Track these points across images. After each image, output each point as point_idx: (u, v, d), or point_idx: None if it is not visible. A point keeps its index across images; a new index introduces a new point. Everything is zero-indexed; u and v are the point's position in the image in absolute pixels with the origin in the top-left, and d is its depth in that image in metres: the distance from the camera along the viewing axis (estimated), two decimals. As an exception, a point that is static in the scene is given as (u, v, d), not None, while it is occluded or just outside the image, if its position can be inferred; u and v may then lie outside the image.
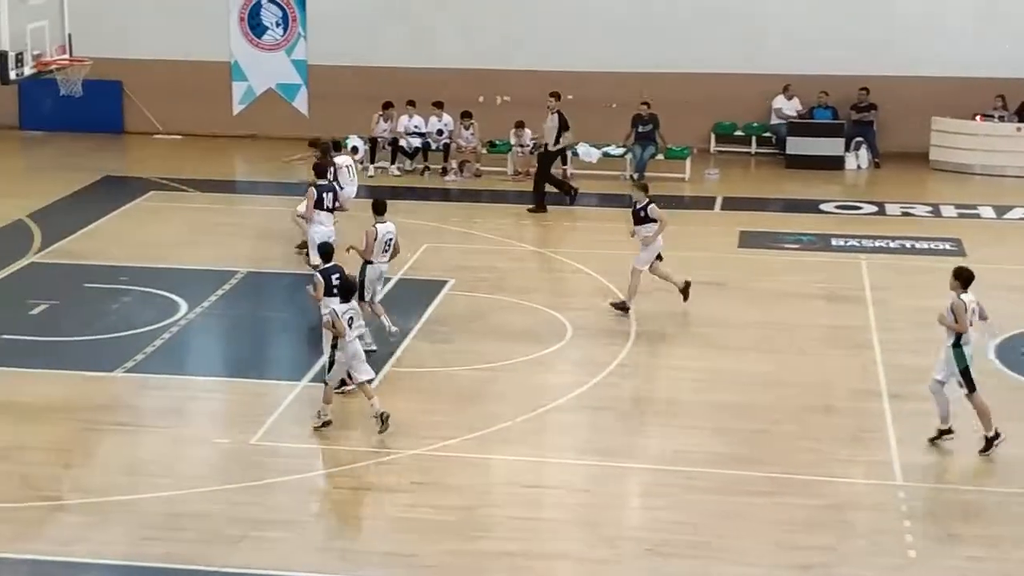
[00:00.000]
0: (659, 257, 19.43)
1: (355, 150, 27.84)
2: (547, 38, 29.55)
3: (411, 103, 28.03)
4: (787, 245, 22.86)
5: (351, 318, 15.38)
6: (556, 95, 25.59)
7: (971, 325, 14.68)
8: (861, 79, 28.70)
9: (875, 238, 23.28)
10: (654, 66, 29.07)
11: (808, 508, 13.73)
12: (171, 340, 18.17)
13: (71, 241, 22.70)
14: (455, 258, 21.93)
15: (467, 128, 27.73)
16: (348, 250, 17.27)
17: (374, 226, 17.62)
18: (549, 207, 24.97)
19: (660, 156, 27.44)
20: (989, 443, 14.80)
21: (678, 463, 14.74)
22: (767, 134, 29.50)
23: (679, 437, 15.53)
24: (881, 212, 25.28)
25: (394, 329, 17.75)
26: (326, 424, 15.45)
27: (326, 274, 16.25)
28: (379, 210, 17.81)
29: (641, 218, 19.21)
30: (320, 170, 19.88)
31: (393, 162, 27.89)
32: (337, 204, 19.82)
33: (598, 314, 19.35)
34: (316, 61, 30.48)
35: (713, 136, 29.76)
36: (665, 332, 18.77)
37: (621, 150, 27.74)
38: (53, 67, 19.19)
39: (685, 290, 19.42)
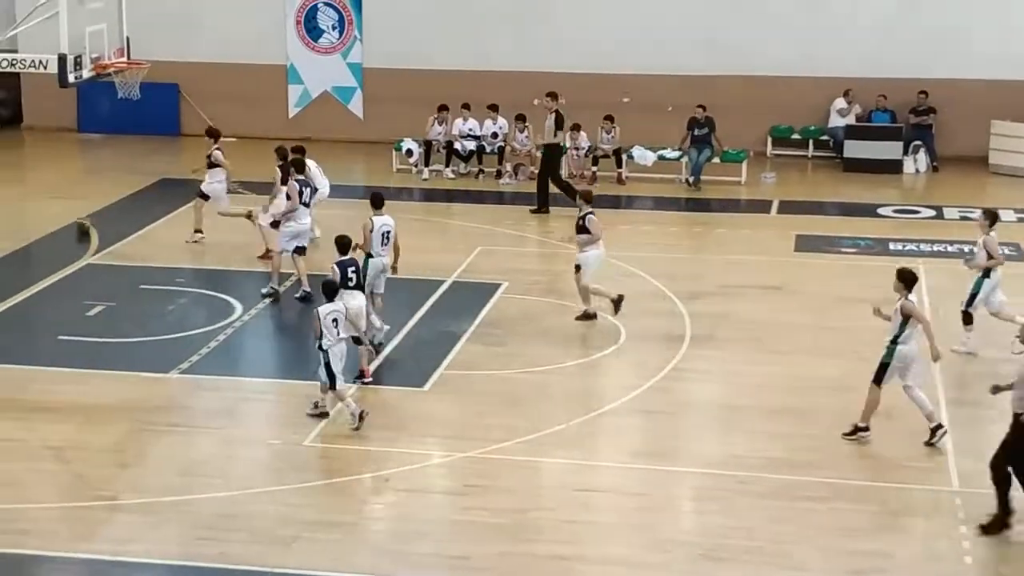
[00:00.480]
0: (577, 268, 18.87)
1: (409, 153, 27.92)
2: (603, 41, 29.47)
3: (466, 106, 28.04)
4: (844, 249, 22.67)
5: (335, 319, 15.46)
6: (553, 95, 25.40)
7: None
8: (919, 82, 28.44)
9: (933, 242, 23.04)
10: (711, 69, 28.95)
11: (864, 514, 13.58)
12: (225, 342, 18.25)
13: (127, 243, 22.87)
14: (509, 261, 21.90)
15: (521, 131, 27.70)
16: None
17: (371, 219, 17.83)
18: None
19: (716, 159, 27.30)
20: (854, 432, 15.14)
21: (732, 467, 14.63)
22: (824, 137, 29.28)
23: (733, 441, 15.41)
24: (939, 216, 25.03)
25: (385, 327, 17.92)
26: (323, 415, 15.63)
27: (342, 266, 16.48)
28: (376, 204, 18.08)
29: (580, 227, 18.92)
30: (300, 166, 20.50)
31: (447, 165, 27.91)
32: (314, 200, 20.49)
33: (652, 317, 19.25)
34: (371, 64, 30.57)
35: (770, 139, 29.58)
36: (720, 336, 18.64)
37: (677, 153, 27.62)
38: (111, 70, 19.35)
39: (617, 303, 18.89)
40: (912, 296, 15.15)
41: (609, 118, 27.49)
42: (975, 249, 18.12)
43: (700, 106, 27.20)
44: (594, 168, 27.42)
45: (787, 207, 25.64)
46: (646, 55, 29.30)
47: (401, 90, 29.80)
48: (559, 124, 25.12)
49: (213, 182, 22.51)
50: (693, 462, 14.95)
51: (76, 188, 26.58)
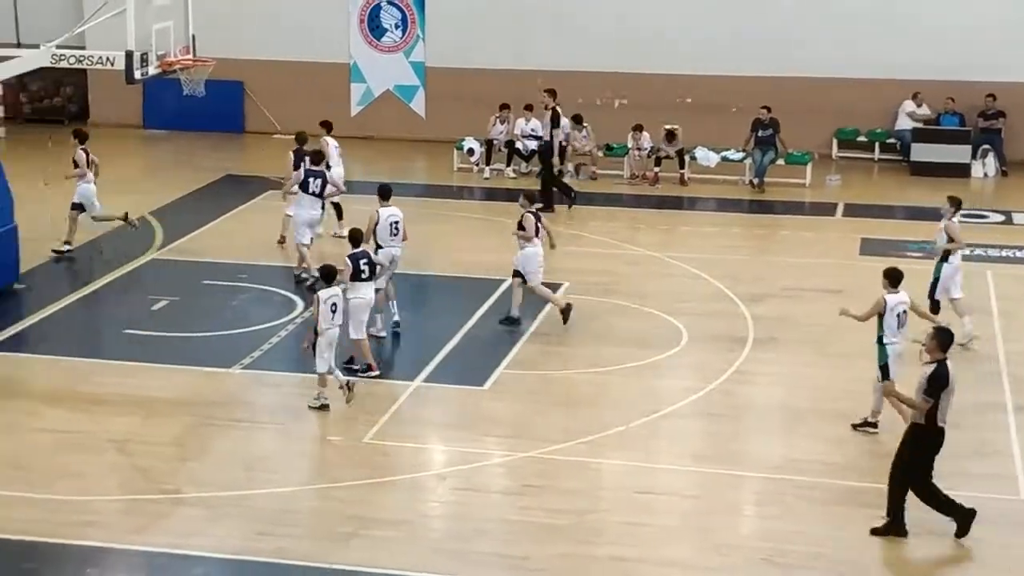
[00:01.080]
0: (517, 274, 18.75)
1: (471, 152, 27.93)
2: (665, 41, 29.34)
3: (528, 107, 28.00)
4: (910, 253, 22.37)
5: (334, 304, 15.77)
6: (551, 92, 25.20)
7: (900, 326, 15.24)
8: (988, 85, 28.12)
9: (1002, 247, 22.76)
10: (776, 70, 28.76)
11: (927, 522, 13.41)
12: (287, 337, 18.32)
13: (191, 238, 23.03)
14: (569, 261, 21.82)
15: (581, 131, 27.63)
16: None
17: (377, 210, 18.18)
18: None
19: (780, 161, 27.11)
20: (864, 425, 15.38)
21: (793, 472, 14.51)
22: (891, 140, 29.01)
23: (795, 445, 15.29)
24: (1008, 221, 24.71)
25: (396, 319, 18.30)
26: (324, 407, 15.83)
27: (354, 259, 16.67)
28: (383, 195, 18.44)
29: (520, 226, 18.93)
30: (317, 157, 20.94)
31: (509, 164, 27.89)
32: (326, 190, 20.57)
33: (714, 319, 19.15)
34: (434, 63, 30.61)
35: (835, 141, 29.35)
36: (782, 338, 18.49)
37: (740, 155, 27.46)
38: (177, 67, 19.50)
39: (565, 312, 18.78)
40: (893, 295, 15.34)
41: (670, 134, 27.32)
42: (936, 236, 18.41)
43: (765, 107, 27.01)
44: (656, 169, 27.31)
45: (852, 210, 25.42)
46: (710, 55, 29.15)
47: (463, 89, 29.83)
48: (555, 122, 24.96)
49: (81, 186, 21.76)
50: (754, 466, 14.83)
51: (141, 184, 26.79)
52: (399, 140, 30.09)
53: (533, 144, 27.79)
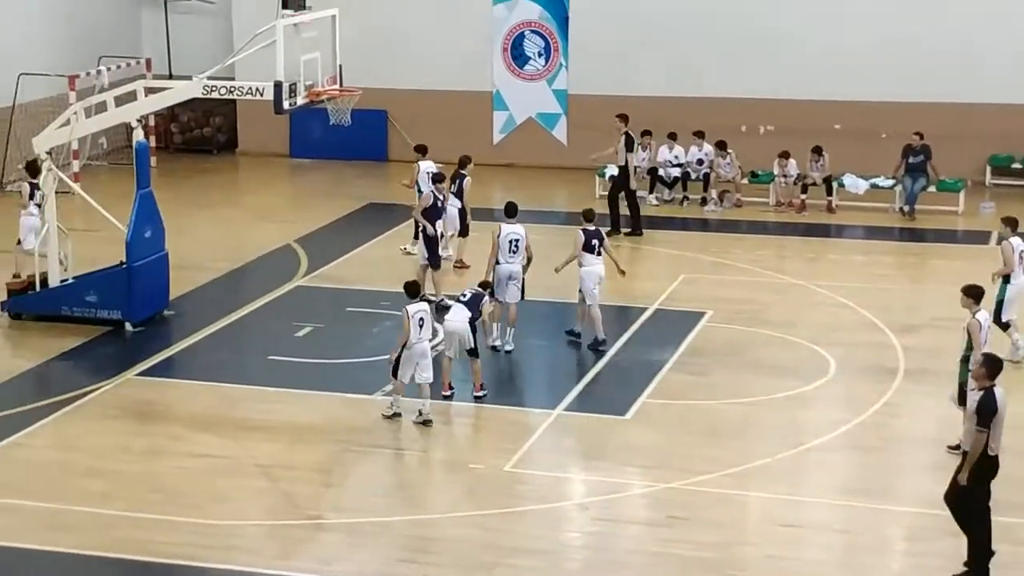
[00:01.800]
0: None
1: (612, 179, 27.76)
2: (814, 67, 28.94)
3: (672, 136, 27.79)
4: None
5: (421, 319, 16.03)
6: (623, 117, 24.98)
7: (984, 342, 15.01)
8: None
9: None
10: (927, 96, 28.17)
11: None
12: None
13: (335, 266, 23.26)
14: (713, 289, 21.58)
15: (725, 158, 27.35)
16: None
17: (500, 226, 18.68)
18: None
19: (932, 188, 26.51)
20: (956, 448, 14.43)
21: (946, 507, 14.03)
22: (1049, 167, 28.24)
23: (949, 480, 14.79)
24: None
25: (497, 341, 18.50)
26: (396, 416, 16.11)
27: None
28: (509, 212, 19.14)
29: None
30: (439, 178, 21.79)
31: (651, 191, 27.70)
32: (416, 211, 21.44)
33: (864, 349, 18.73)
34: (577, 90, 30.58)
35: (989, 168, 28.61)
36: (935, 370, 18.00)
37: (890, 182, 26.90)
38: (324, 97, 19.72)
39: (595, 345, 18.56)
40: (981, 314, 15.19)
41: (817, 150, 26.93)
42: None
43: (917, 133, 26.46)
44: (803, 196, 26.89)
45: (1007, 238, 24.70)
46: (858, 81, 28.67)
47: (605, 116, 29.58)
48: (629, 146, 24.76)
49: (22, 218, 21.24)
50: (905, 501, 14.44)
51: (287, 212, 27.18)
52: (541, 167, 30.09)
53: (676, 171, 27.59)
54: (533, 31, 30.82)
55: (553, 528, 14.01)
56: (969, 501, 12.62)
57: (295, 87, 18.94)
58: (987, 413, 12.39)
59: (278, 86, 18.56)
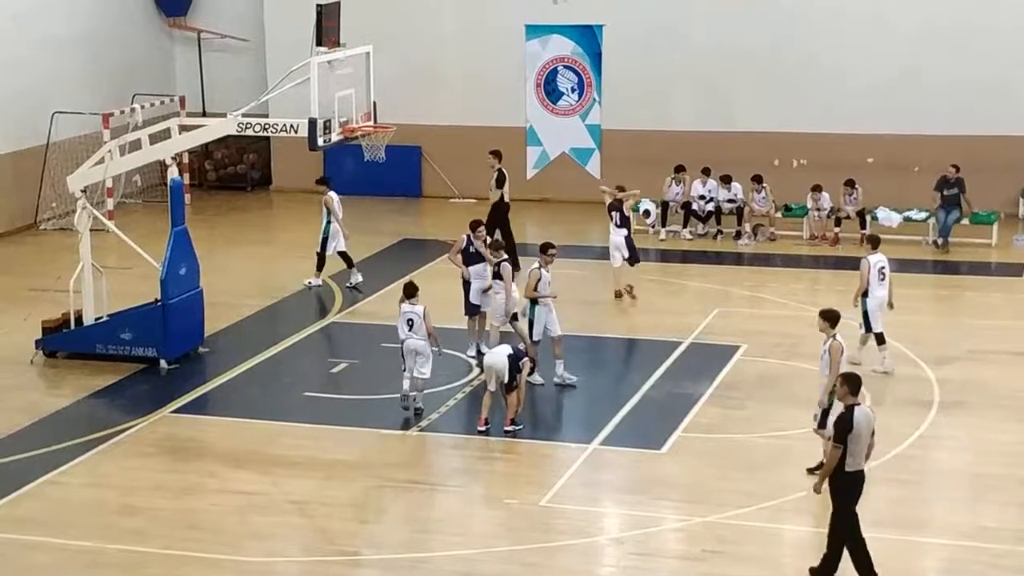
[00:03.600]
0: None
1: (647, 214, 27.82)
2: (846, 100, 28.94)
3: (705, 171, 27.79)
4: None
5: (409, 319, 17.38)
6: (497, 154, 24.69)
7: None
8: None
9: None
10: (959, 129, 28.13)
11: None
12: (464, 400, 18.37)
13: (370, 301, 23.33)
14: (747, 323, 21.54)
15: (759, 192, 27.33)
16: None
17: (537, 269, 18.54)
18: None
19: (965, 220, 26.41)
20: None
21: (984, 540, 14.00)
22: (1082, 198, 28.10)
23: (985, 513, 14.75)
24: None
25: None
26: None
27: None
28: (544, 251, 18.78)
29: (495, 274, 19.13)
30: (475, 225, 20.65)
31: (685, 226, 27.70)
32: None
33: (898, 382, 18.66)
34: (610, 126, 30.65)
35: (1022, 201, 28.49)
36: (970, 402, 17.93)
37: (924, 214, 26.82)
38: (359, 133, 19.81)
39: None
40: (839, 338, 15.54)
41: (850, 183, 26.90)
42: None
43: (953, 166, 26.40)
44: (837, 229, 26.83)
45: (1041, 271, 24.63)
46: (891, 113, 28.64)
47: (639, 151, 29.78)
48: (500, 183, 24.54)
49: None
50: (942, 533, 14.36)
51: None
52: (574, 202, 30.14)
53: (710, 205, 27.59)
54: (566, 67, 30.93)
55: (589, 563, 13.99)
56: (835, 518, 12.96)
57: (329, 123, 19.04)
58: (842, 429, 12.74)
59: (312, 123, 18.66)
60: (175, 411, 18.18)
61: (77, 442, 17.04)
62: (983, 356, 19.81)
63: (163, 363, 19.74)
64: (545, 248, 18.87)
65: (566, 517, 14.88)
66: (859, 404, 12.98)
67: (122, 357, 19.78)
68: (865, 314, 19.06)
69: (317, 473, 16.09)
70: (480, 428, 16.98)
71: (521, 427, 16.99)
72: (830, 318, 15.85)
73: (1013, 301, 22.75)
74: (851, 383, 13.04)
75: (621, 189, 23.42)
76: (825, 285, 24.23)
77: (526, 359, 17.32)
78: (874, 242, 19.79)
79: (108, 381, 19.25)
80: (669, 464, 16.23)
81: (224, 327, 21.63)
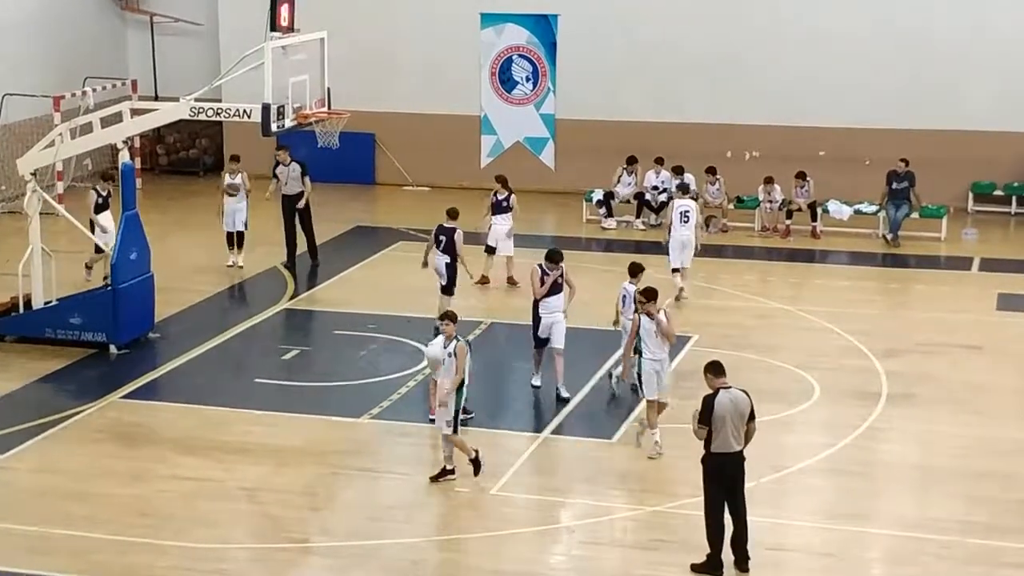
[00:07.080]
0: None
1: (600, 203, 27.86)
2: (797, 93, 29.11)
3: (659, 160, 27.88)
4: (1048, 308, 21.84)
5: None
6: (285, 148, 24.77)
7: None
8: None
9: None
10: (910, 123, 28.35)
11: None
12: (416, 388, 18.36)
13: (322, 289, 23.27)
14: (699, 314, 21.64)
15: (712, 183, 27.44)
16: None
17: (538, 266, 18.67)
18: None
19: (915, 214, 26.63)
20: None
21: (930, 531, 14.13)
22: (1031, 193, 28.40)
23: (933, 503, 14.90)
24: None
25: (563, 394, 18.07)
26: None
27: None
28: (551, 258, 18.53)
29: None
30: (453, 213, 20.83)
31: (638, 216, 27.78)
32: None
33: (847, 374, 18.81)
34: (564, 115, 30.68)
35: (971, 195, 28.77)
36: (919, 394, 18.10)
37: (874, 208, 27.03)
38: (312, 119, 19.72)
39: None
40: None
41: (801, 175, 27.07)
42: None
43: (903, 159, 26.61)
44: (788, 222, 27.00)
45: (989, 265, 24.86)
46: (842, 108, 28.84)
47: (593, 141, 29.84)
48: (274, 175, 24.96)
49: None
50: (889, 524, 14.50)
51: (273, 235, 27.11)
52: (529, 191, 30.10)
53: (663, 196, 27.66)
54: (521, 56, 30.93)
55: (539, 551, 14.02)
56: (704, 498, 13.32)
57: (283, 109, 18.95)
58: (705, 411, 13.16)
59: (266, 108, 18.57)
60: (125, 396, 18.08)
61: (25, 427, 16.91)
62: (932, 349, 19.99)
63: (113, 348, 19.62)
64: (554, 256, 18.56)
65: (516, 506, 14.92)
66: (728, 388, 13.25)
67: (72, 342, 19.64)
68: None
69: (268, 460, 16.04)
70: (431, 416, 16.96)
71: (472, 415, 16.98)
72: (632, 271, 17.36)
73: (962, 295, 22.97)
74: (713, 369, 13.40)
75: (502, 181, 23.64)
76: (777, 276, 24.38)
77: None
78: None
79: (57, 366, 19.11)
80: (620, 454, 16.29)
81: (175, 312, 21.52)
